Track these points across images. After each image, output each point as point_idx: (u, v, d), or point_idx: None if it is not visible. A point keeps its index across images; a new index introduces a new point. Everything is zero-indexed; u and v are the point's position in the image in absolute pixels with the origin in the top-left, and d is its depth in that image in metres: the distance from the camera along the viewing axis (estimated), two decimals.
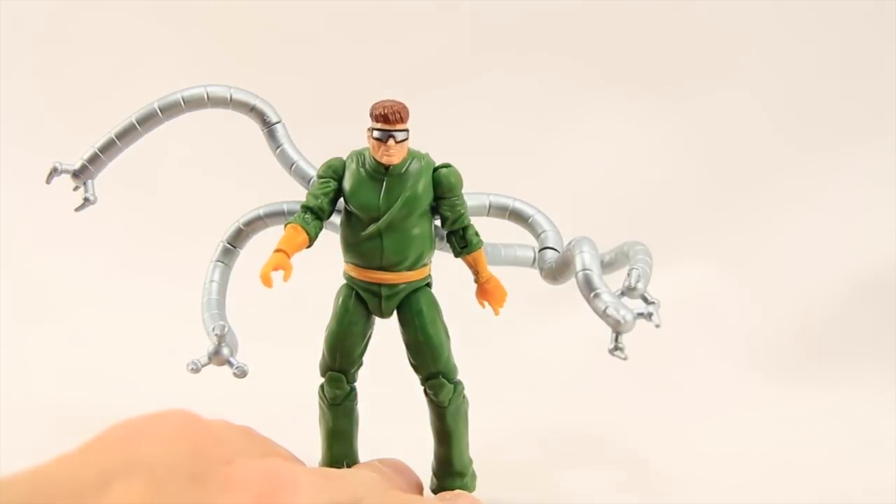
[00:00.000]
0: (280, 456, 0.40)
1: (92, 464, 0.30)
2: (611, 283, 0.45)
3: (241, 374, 0.48)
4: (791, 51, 0.90)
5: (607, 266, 0.52)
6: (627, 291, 0.45)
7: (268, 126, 0.53)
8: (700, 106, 0.90)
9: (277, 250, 0.45)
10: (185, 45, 0.92)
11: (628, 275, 0.45)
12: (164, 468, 0.29)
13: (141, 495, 0.28)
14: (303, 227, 0.47)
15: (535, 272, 0.53)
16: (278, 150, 0.53)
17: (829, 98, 0.89)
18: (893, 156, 0.86)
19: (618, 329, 0.42)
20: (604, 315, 0.42)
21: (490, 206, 0.52)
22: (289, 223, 0.47)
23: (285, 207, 0.52)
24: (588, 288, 0.44)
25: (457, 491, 0.51)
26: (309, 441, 0.52)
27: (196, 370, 0.48)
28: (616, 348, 0.42)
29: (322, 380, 0.51)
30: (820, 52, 0.90)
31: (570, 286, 0.49)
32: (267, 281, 0.44)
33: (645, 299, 0.45)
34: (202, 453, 0.31)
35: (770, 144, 0.89)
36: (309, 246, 0.47)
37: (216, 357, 0.48)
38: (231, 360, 0.48)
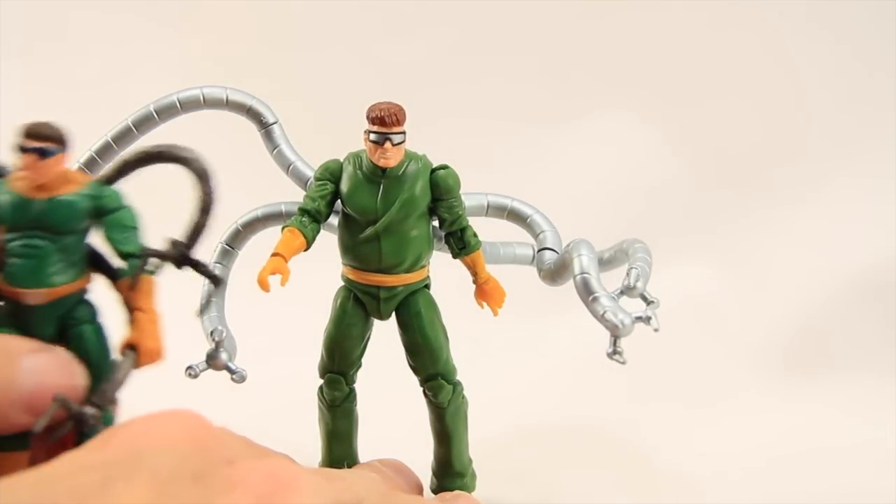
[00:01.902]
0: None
1: (95, 464, 0.29)
2: (610, 282, 0.45)
3: (240, 379, 0.48)
4: (789, 53, 0.90)
5: (606, 263, 0.52)
6: (627, 290, 0.45)
7: (264, 127, 0.53)
8: (699, 107, 0.90)
9: (275, 254, 0.45)
10: (181, 48, 0.91)
11: (627, 274, 0.45)
12: (167, 469, 0.29)
13: (144, 496, 0.28)
14: (300, 231, 0.47)
15: (534, 273, 0.52)
16: (275, 151, 0.52)
17: (830, 99, 0.89)
18: (893, 156, 0.86)
19: (616, 333, 0.42)
20: (602, 319, 0.42)
21: (488, 206, 0.52)
22: (286, 227, 0.47)
23: (283, 208, 0.52)
24: (586, 291, 0.43)
25: (456, 491, 0.51)
26: (309, 442, 0.52)
27: (194, 375, 0.47)
28: (614, 352, 0.42)
29: (321, 381, 0.51)
30: (818, 55, 0.89)
31: (569, 287, 0.49)
32: (264, 285, 0.44)
33: (644, 298, 0.45)
34: (205, 453, 0.31)
35: (769, 145, 0.89)
36: (306, 249, 0.47)
37: (214, 362, 0.48)
38: (229, 365, 0.48)
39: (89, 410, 0.40)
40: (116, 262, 0.44)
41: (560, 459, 0.62)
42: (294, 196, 0.51)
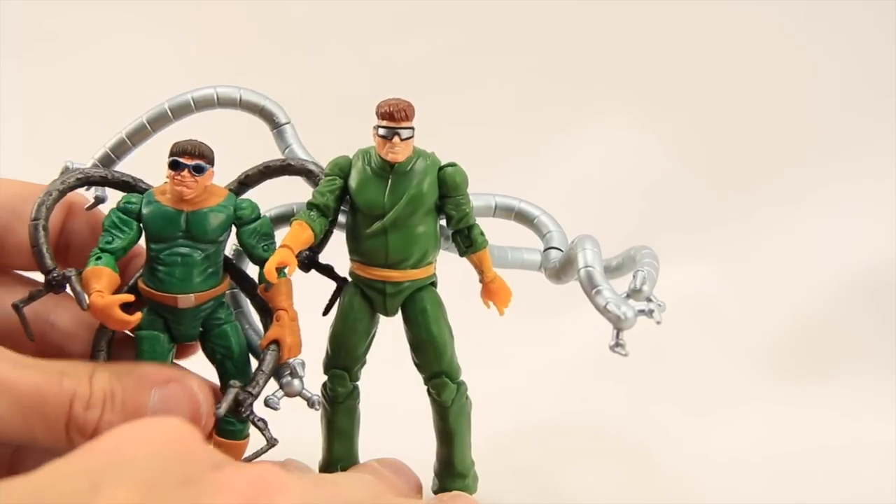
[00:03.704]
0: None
1: (82, 471, 0.30)
2: (617, 288, 0.45)
3: (318, 404, 0.49)
4: (788, 54, 0.91)
5: (615, 270, 0.52)
6: (633, 294, 0.45)
7: (277, 127, 0.53)
8: (699, 109, 0.91)
9: (283, 246, 0.46)
10: (191, 48, 0.93)
11: (634, 276, 0.46)
12: (153, 473, 0.30)
13: (131, 499, 0.28)
14: (308, 224, 0.47)
15: (536, 274, 0.53)
16: (287, 151, 0.53)
17: (829, 101, 0.89)
18: (891, 158, 0.86)
19: (618, 325, 0.42)
20: (604, 311, 0.42)
21: (496, 206, 0.52)
22: (294, 219, 0.48)
23: (295, 209, 0.52)
24: (590, 285, 0.44)
25: (454, 492, 0.51)
26: (311, 440, 0.52)
27: (276, 408, 0.48)
28: (617, 345, 0.42)
29: (325, 377, 0.51)
30: (817, 56, 0.90)
31: (573, 288, 0.49)
32: (272, 276, 0.45)
33: (650, 302, 0.45)
34: (191, 458, 0.32)
35: (768, 146, 0.90)
36: (314, 243, 0.48)
37: (289, 390, 0.49)
38: (305, 392, 0.49)
39: (244, 397, 0.46)
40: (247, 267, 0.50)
41: (561, 460, 0.61)
42: (305, 196, 0.51)
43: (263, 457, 0.48)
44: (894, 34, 0.87)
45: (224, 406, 0.45)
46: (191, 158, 0.45)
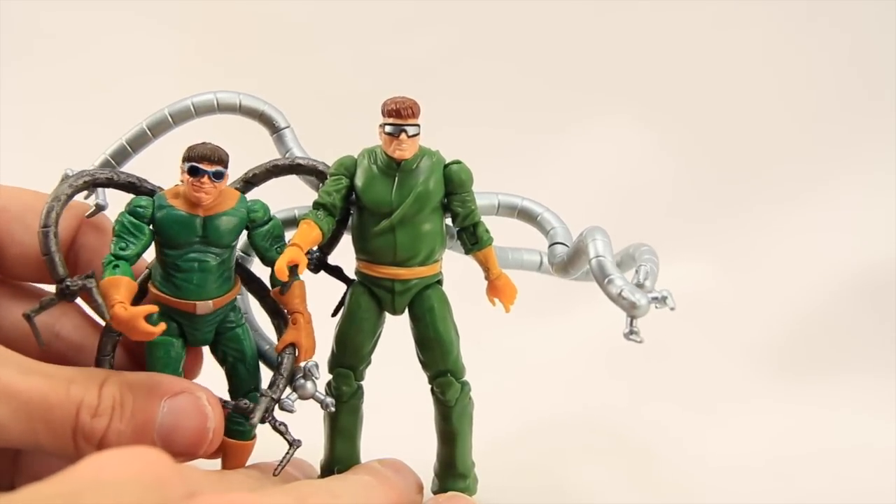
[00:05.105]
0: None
1: (62, 493, 0.30)
2: None
3: (331, 406, 0.49)
4: (788, 55, 0.92)
5: None
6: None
7: (276, 131, 0.53)
8: (698, 107, 0.92)
9: (292, 244, 0.46)
10: (191, 50, 0.93)
11: (636, 272, 0.46)
12: (129, 498, 0.30)
13: None
14: (316, 223, 0.47)
15: (535, 275, 0.53)
16: (287, 155, 0.53)
17: (829, 100, 0.91)
18: (892, 154, 0.87)
19: (632, 313, 0.42)
20: (618, 298, 0.42)
21: (499, 205, 0.53)
22: (302, 219, 0.48)
23: (297, 213, 0.52)
24: (602, 274, 0.44)
25: (450, 493, 0.51)
26: (313, 439, 0.51)
27: (292, 410, 0.48)
28: (631, 332, 0.42)
29: (329, 376, 0.51)
30: (815, 55, 0.91)
31: (570, 288, 0.49)
32: (282, 274, 0.45)
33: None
34: (165, 487, 0.32)
35: (767, 146, 0.91)
36: (322, 241, 0.48)
37: (302, 392, 0.48)
38: (317, 394, 0.49)
39: (263, 402, 0.46)
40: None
41: (561, 459, 0.62)
42: (307, 200, 0.51)
43: (263, 458, 0.48)
44: (893, 32, 0.89)
45: (258, 415, 0.46)
46: (210, 164, 0.44)
